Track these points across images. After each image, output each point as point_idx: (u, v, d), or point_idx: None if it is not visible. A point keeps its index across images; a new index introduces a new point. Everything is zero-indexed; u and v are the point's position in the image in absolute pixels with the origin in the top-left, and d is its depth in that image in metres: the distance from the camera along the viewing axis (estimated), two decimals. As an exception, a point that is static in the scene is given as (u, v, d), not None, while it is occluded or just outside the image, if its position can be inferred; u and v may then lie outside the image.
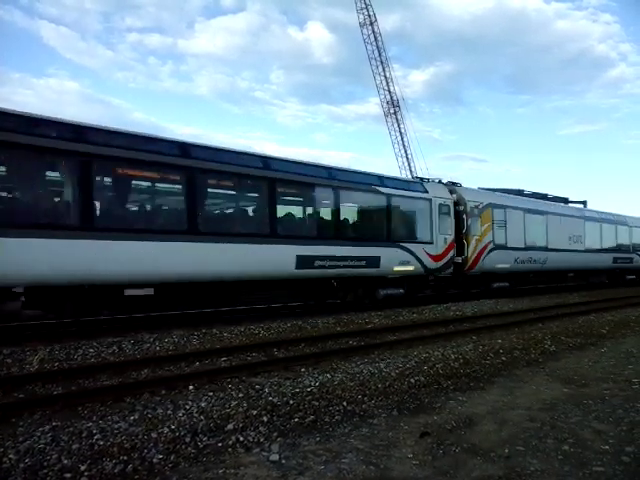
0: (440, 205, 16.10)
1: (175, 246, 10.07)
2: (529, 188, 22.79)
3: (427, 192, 15.93)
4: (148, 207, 11.04)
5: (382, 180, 14.75)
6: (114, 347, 8.37)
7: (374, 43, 44.58)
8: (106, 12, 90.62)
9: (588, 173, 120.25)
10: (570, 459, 4.25)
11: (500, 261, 17.88)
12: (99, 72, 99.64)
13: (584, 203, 26.20)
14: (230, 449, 4.39)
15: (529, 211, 19.63)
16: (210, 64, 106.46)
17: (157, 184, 11.10)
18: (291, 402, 5.55)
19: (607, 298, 19.12)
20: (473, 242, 16.79)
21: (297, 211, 13.47)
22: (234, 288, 11.49)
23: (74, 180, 9.30)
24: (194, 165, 10.55)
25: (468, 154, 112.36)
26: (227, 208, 12.31)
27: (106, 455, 4.10)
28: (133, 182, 10.80)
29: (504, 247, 18.04)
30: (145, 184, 11.07)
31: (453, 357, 8.00)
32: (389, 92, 45.67)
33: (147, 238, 9.77)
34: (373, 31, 44.40)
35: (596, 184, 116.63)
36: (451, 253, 16.28)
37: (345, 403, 5.64)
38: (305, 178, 12.72)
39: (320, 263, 12.57)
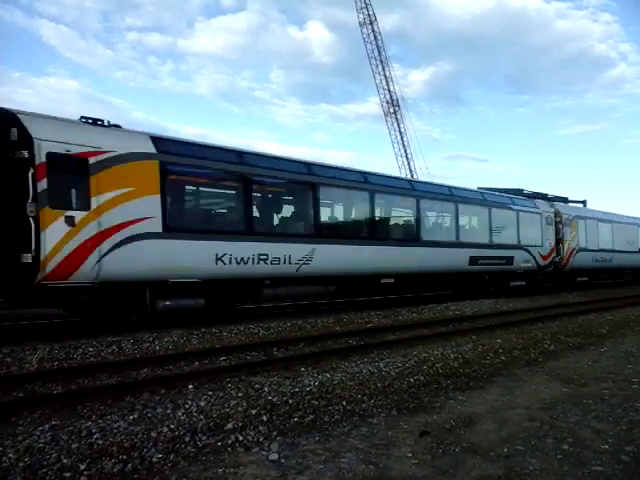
0: (546, 217, 20.94)
1: (408, 250, 15.01)
2: (529, 188, 22.98)
3: (538, 208, 20.86)
4: (396, 223, 15.98)
5: (512, 200, 19.94)
6: (113, 346, 8.37)
7: (374, 42, 44.68)
8: (106, 11, 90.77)
9: (588, 173, 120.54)
10: (569, 458, 4.25)
11: (582, 260, 22.61)
12: (99, 71, 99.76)
13: (584, 203, 26.22)
14: (229, 448, 4.39)
15: (601, 220, 24.61)
16: (210, 63, 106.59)
17: (411, 210, 15.92)
18: (290, 401, 5.55)
19: (607, 298, 19.14)
20: (566, 245, 21.64)
21: (469, 224, 18.36)
22: (435, 278, 16.41)
23: (364, 203, 14.20)
24: (422, 196, 15.92)
25: (469, 154, 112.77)
26: (434, 223, 17.43)
27: (105, 454, 4.10)
28: (394, 209, 15.97)
29: (585, 249, 22.80)
30: (406, 212, 16.07)
31: (453, 356, 8.00)
32: (389, 91, 45.78)
33: (392, 244, 14.67)
34: (373, 30, 44.49)
35: (596, 184, 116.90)
36: (553, 254, 21.05)
37: (345, 402, 5.64)
38: (473, 201, 17.97)
39: (481, 262, 17.56)
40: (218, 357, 7.91)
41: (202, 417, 5.00)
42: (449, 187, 17.40)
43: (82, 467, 3.87)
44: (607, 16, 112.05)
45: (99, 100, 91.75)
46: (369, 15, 44.11)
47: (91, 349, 8.16)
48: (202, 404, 5.40)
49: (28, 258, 8.48)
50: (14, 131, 8.62)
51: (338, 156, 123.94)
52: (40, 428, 4.63)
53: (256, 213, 11.96)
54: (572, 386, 6.61)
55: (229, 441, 4.51)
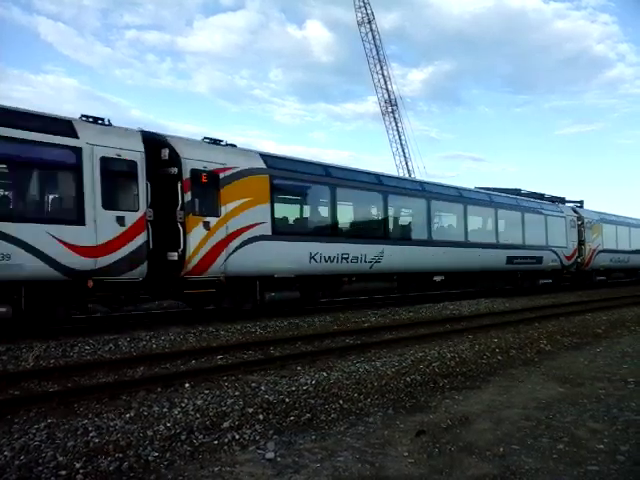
0: (570, 221, 22.78)
1: (457, 251, 16.83)
2: (526, 187, 23.12)
3: (562, 212, 22.71)
4: (447, 227, 17.79)
5: (541, 205, 21.90)
6: (110, 344, 8.36)
7: (372, 42, 44.59)
8: (104, 9, 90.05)
9: (584, 173, 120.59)
10: (565, 458, 4.26)
11: (602, 260, 24.64)
12: (97, 69, 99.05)
13: (581, 203, 26.27)
14: (226, 447, 4.39)
15: (619, 223, 26.69)
16: (209, 62, 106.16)
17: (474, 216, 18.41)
18: (287, 400, 5.55)
19: (603, 298, 19.20)
20: (587, 247, 23.44)
21: (506, 228, 19.84)
22: (477, 276, 18.43)
23: (422, 209, 16.12)
24: (468, 203, 17.89)
25: (466, 153, 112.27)
26: (478, 227, 18.96)
27: (101, 453, 4.09)
28: (446, 214, 17.89)
29: (604, 251, 24.71)
30: (455, 217, 17.84)
31: (449, 356, 8.01)
32: (387, 91, 45.70)
33: (444, 246, 16.31)
34: (371, 29, 44.41)
35: (593, 184, 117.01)
36: (576, 254, 22.80)
37: (341, 401, 5.65)
38: (509, 206, 19.92)
39: (516, 261, 19.44)
40: (215, 356, 7.91)
41: (198, 416, 4.99)
42: (489, 194, 19.63)
43: (78, 465, 3.87)
44: (606, 17, 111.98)
45: (97, 98, 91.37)
46: (367, 14, 44.05)
47: (88, 347, 8.15)
48: (199, 403, 5.40)
49: (175, 256, 10.26)
50: (165, 152, 10.38)
51: (336, 155, 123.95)
52: (36, 426, 4.62)
53: (340, 218, 13.88)
54: (568, 386, 6.63)
55: (225, 440, 4.51)
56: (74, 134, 9.22)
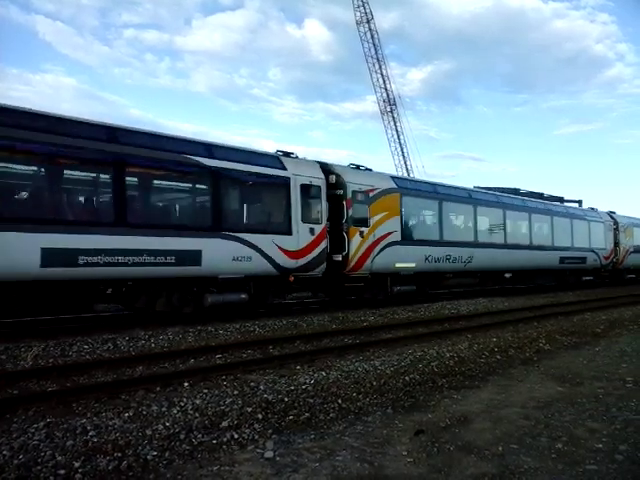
0: (607, 225, 25.79)
1: (523, 252, 19.93)
2: (525, 187, 23.18)
3: (601, 217, 25.66)
4: (516, 232, 20.37)
5: (584, 212, 25.10)
6: (109, 344, 8.35)
7: (371, 41, 44.65)
8: (103, 8, 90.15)
9: (583, 172, 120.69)
10: (564, 457, 4.26)
11: (632, 260, 27.65)
12: (96, 68, 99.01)
13: (579, 202, 26.32)
14: (225, 446, 4.38)
15: None
16: (207, 61, 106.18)
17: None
18: (286, 399, 5.55)
19: (602, 297, 19.23)
20: (622, 249, 26.53)
21: (559, 232, 22.36)
22: (537, 273, 21.61)
23: (499, 218, 19.36)
24: (531, 211, 21.22)
25: (466, 153, 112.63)
26: (538, 232, 21.54)
27: (100, 452, 4.09)
28: (515, 222, 20.59)
29: (635, 251, 27.81)
30: (522, 224, 20.94)
31: (448, 355, 8.02)
32: (386, 90, 45.78)
33: (514, 248, 19.46)
34: (370, 29, 44.46)
35: (591, 183, 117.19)
36: (612, 255, 25.85)
37: (340, 401, 5.65)
38: (561, 214, 22.96)
39: (566, 261, 22.52)
40: (214, 355, 7.91)
41: (197, 415, 4.99)
42: (545, 203, 22.65)
43: (77, 465, 3.86)
44: (605, 16, 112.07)
45: (96, 97, 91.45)
46: (366, 13, 44.08)
47: (86, 346, 8.14)
48: (197, 402, 5.40)
49: (339, 257, 13.42)
50: (333, 177, 13.62)
51: (335, 154, 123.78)
52: (35, 425, 4.62)
53: (445, 227, 16.85)
54: (567, 385, 6.63)
55: (224, 439, 4.50)
56: (284, 167, 12.45)
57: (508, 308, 15.16)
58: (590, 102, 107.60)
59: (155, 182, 11.57)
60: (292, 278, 12.28)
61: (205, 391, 5.86)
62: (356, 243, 13.51)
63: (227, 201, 11.74)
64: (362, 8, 43.94)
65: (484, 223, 18.99)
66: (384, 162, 73.97)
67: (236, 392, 5.82)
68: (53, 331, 9.24)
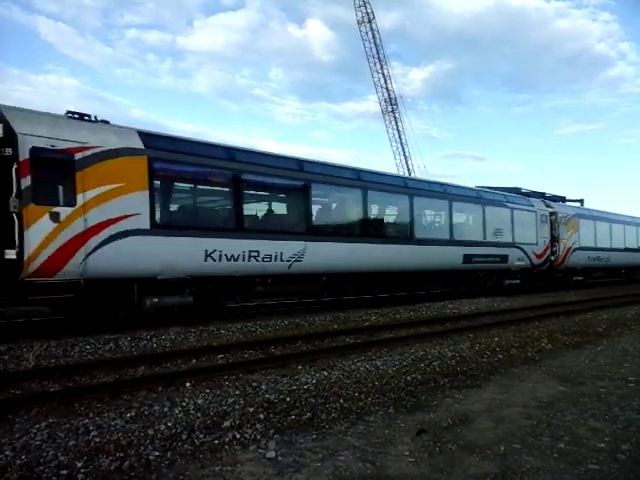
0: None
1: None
2: (526, 186, 23.00)
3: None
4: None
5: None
6: (111, 344, 8.36)
7: (372, 41, 44.58)
8: (105, 8, 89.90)
9: (585, 172, 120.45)
10: (566, 457, 4.26)
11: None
12: (98, 69, 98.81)
13: (581, 202, 26.26)
14: (227, 446, 4.39)
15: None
16: (209, 61, 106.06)
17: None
18: (288, 399, 5.55)
19: (603, 297, 19.19)
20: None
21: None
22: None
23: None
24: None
25: (467, 152, 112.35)
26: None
27: (102, 452, 4.09)
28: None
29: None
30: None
31: (450, 355, 8.01)
32: (387, 90, 45.71)
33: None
34: (371, 29, 44.40)
35: (593, 183, 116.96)
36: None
37: (342, 400, 5.65)
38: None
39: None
40: (215, 355, 7.91)
41: (199, 415, 5.00)
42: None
43: (79, 465, 3.87)
44: (606, 15, 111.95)
45: (98, 97, 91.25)
46: (367, 13, 44.02)
47: (88, 347, 8.15)
48: (199, 402, 5.41)
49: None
50: None
51: (337, 154, 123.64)
52: (37, 426, 4.63)
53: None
54: (569, 384, 6.62)
55: (226, 439, 4.51)
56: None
57: (509, 308, 15.14)
58: (592, 101, 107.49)
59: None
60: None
61: (207, 391, 5.86)
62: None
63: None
64: (363, 8, 43.90)
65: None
66: (386, 162, 73.83)
67: (238, 392, 5.82)
68: (55, 331, 9.25)
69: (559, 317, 12.98)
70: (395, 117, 46.19)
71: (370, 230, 14.58)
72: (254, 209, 12.61)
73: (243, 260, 11.23)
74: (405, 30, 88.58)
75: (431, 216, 17.56)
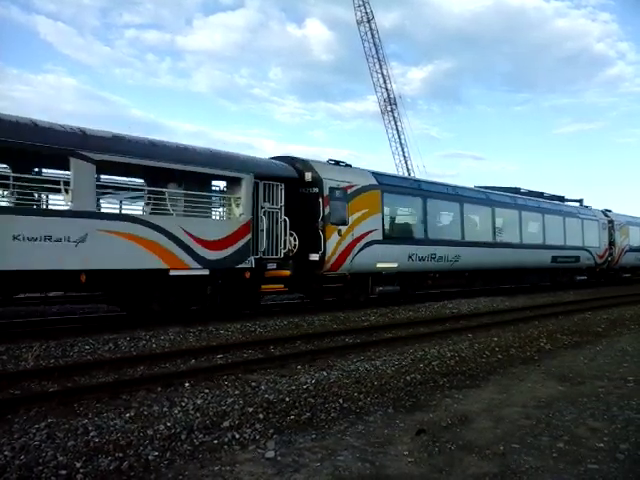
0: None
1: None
2: (525, 186, 23.17)
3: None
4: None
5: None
6: (110, 344, 8.35)
7: (371, 40, 44.61)
8: (104, 8, 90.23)
9: (584, 172, 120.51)
10: (565, 456, 4.26)
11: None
12: (97, 68, 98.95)
13: (580, 202, 26.28)
14: (226, 446, 4.39)
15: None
16: (208, 61, 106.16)
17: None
18: (287, 399, 5.55)
19: (602, 296, 19.22)
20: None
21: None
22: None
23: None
24: None
25: (467, 152, 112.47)
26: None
27: (102, 452, 4.09)
28: None
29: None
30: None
31: (449, 355, 8.02)
32: (386, 90, 45.74)
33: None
34: (370, 28, 44.43)
35: (592, 182, 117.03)
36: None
37: (341, 400, 5.65)
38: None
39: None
40: (215, 355, 7.91)
41: (198, 415, 5.00)
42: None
43: (78, 465, 3.87)
44: (606, 15, 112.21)
45: (97, 97, 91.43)
46: (366, 13, 44.05)
47: (87, 347, 8.14)
48: (199, 402, 5.40)
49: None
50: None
51: (336, 154, 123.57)
52: (36, 426, 4.62)
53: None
54: (568, 384, 6.63)
55: (225, 439, 4.51)
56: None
57: (509, 307, 15.16)
58: (591, 101, 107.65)
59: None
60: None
61: (206, 391, 5.86)
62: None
63: None
64: (363, 7, 43.94)
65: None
66: (385, 162, 73.79)
67: (237, 392, 5.82)
68: (54, 331, 9.23)
69: (558, 317, 13.00)
70: (394, 117, 46.28)
71: (496, 239, 18.91)
72: (434, 225, 16.79)
73: (428, 260, 15.72)
74: (404, 30, 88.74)
75: (532, 226, 21.58)
